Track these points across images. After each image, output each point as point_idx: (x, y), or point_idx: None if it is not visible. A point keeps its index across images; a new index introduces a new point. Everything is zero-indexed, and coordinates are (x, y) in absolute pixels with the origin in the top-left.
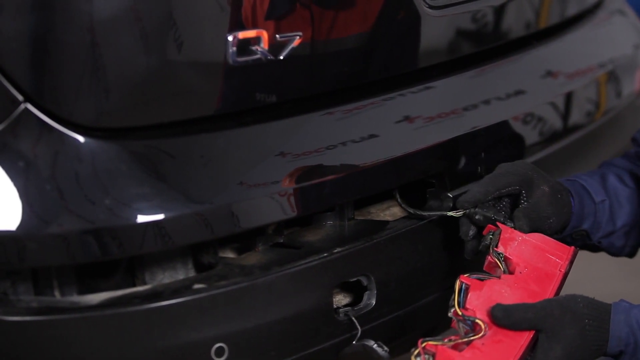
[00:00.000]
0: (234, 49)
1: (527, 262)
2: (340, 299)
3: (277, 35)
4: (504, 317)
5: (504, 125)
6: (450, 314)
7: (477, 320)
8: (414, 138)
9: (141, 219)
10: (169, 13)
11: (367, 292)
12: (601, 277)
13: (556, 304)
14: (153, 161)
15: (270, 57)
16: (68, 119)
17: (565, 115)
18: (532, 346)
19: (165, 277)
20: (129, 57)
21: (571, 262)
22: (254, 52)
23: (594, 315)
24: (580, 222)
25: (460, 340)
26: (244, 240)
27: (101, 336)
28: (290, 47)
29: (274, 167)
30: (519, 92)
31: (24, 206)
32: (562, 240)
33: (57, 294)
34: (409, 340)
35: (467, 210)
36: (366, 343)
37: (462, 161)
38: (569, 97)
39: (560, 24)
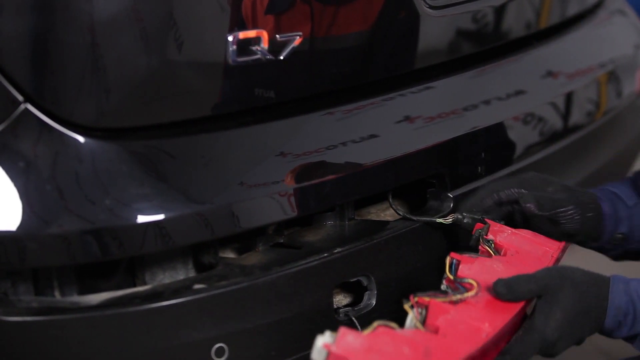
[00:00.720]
0: (234, 49)
1: (518, 249)
2: (341, 299)
3: (277, 35)
4: (508, 292)
5: (504, 125)
6: (443, 286)
7: (469, 281)
8: (414, 138)
9: (141, 219)
10: (169, 13)
11: (367, 292)
12: None
13: (555, 272)
14: (153, 161)
15: (270, 57)
16: (68, 119)
17: (566, 115)
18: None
19: (166, 277)
20: (129, 57)
21: (562, 253)
22: (254, 52)
23: (592, 282)
24: (616, 226)
25: (453, 298)
26: (245, 240)
27: (101, 336)
28: (290, 47)
29: (274, 167)
30: (519, 92)
31: (24, 206)
32: (601, 248)
33: (57, 294)
34: None
35: (456, 217)
36: None
37: (463, 161)
38: (569, 97)
39: (560, 24)
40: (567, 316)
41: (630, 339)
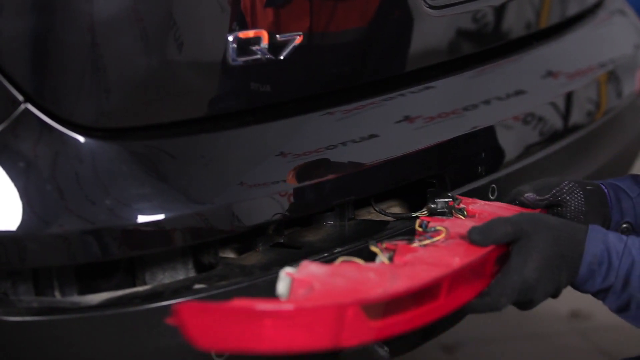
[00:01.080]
0: (234, 48)
1: (491, 213)
2: None
3: (277, 35)
4: (483, 238)
5: (504, 125)
6: (414, 244)
7: (439, 228)
8: (414, 138)
9: (142, 219)
10: (169, 13)
11: None
12: None
13: (529, 216)
14: (153, 161)
15: (270, 56)
16: (68, 119)
17: (566, 115)
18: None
19: (166, 277)
20: (130, 57)
21: None
22: (254, 52)
23: (567, 227)
24: (621, 216)
25: (422, 243)
26: (245, 240)
27: (102, 336)
28: (290, 47)
29: (274, 167)
30: (519, 92)
31: (24, 206)
32: None
33: (57, 294)
34: (409, 340)
35: (429, 206)
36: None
37: (463, 161)
38: (569, 97)
39: (560, 24)
40: (544, 257)
41: (602, 292)
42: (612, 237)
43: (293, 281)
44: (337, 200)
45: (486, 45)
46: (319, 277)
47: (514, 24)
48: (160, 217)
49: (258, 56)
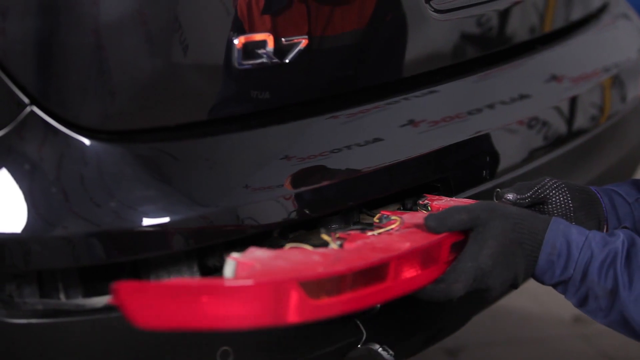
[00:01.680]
0: (240, 52)
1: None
2: None
3: (283, 39)
4: (439, 225)
5: (508, 129)
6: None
7: (394, 217)
8: (418, 142)
9: (147, 222)
10: (175, 16)
11: None
12: None
13: (487, 204)
14: (158, 164)
15: (275, 60)
16: (74, 122)
17: (570, 119)
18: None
19: None
20: (135, 60)
21: None
22: (260, 56)
23: (526, 215)
24: (618, 222)
25: (375, 232)
26: (250, 243)
27: (107, 339)
28: (296, 51)
29: (279, 170)
30: (523, 96)
31: (29, 209)
32: None
33: (62, 296)
34: (415, 343)
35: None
36: (371, 347)
37: (467, 165)
38: (573, 102)
39: (564, 28)
40: (499, 244)
41: (562, 284)
42: (574, 230)
43: (237, 264)
44: (340, 203)
45: (491, 49)
46: (262, 259)
47: (519, 28)
48: (165, 219)
49: (263, 60)
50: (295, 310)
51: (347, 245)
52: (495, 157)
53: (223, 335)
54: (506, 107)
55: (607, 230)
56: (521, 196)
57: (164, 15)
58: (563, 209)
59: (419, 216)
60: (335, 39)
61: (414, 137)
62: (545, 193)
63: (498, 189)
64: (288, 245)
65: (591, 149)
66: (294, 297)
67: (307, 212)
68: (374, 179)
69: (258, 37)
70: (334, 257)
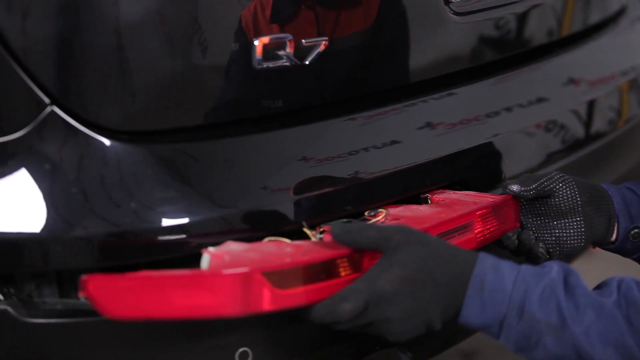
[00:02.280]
0: (260, 53)
1: (454, 201)
2: None
3: (303, 41)
4: (343, 234)
5: (526, 132)
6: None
7: (380, 210)
8: (438, 144)
9: (166, 222)
10: (195, 17)
11: None
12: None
13: (406, 229)
14: (179, 165)
15: (295, 61)
16: (94, 122)
17: (588, 123)
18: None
19: None
20: (155, 60)
21: (503, 206)
22: (280, 57)
23: (445, 247)
24: (631, 221)
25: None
26: None
27: (126, 339)
28: (315, 53)
29: (298, 172)
30: (541, 100)
31: (49, 209)
32: (623, 246)
33: (81, 296)
34: (433, 346)
35: None
36: (390, 350)
37: (485, 167)
38: (591, 105)
39: (583, 32)
40: (406, 271)
41: (493, 326)
42: (504, 264)
43: (211, 257)
44: (360, 206)
45: (509, 52)
46: (234, 252)
47: (537, 31)
48: (185, 220)
49: (283, 61)
50: (265, 299)
51: (325, 237)
52: (513, 159)
53: (242, 336)
54: (524, 110)
55: (617, 227)
56: (525, 188)
57: (184, 16)
58: (570, 202)
59: (412, 210)
60: (354, 40)
61: (433, 139)
62: (552, 186)
63: (506, 181)
64: (266, 239)
65: (609, 153)
66: (258, 286)
67: (327, 213)
68: (391, 181)
69: (278, 38)
70: (305, 250)
